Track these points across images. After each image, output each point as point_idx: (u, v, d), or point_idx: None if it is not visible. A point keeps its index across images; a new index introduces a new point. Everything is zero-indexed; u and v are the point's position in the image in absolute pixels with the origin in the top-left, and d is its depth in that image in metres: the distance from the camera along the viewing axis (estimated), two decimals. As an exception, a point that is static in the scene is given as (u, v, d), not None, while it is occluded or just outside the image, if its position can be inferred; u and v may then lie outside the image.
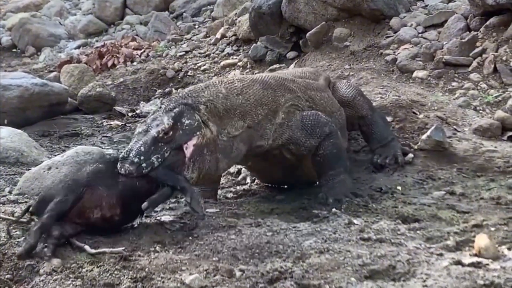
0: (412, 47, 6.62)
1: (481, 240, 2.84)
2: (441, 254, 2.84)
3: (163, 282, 2.67)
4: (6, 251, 3.00)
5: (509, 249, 2.87)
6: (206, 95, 3.71)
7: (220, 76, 8.63)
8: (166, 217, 3.53)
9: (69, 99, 8.11)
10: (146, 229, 3.34)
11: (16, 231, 3.29)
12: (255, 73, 8.01)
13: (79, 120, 7.65)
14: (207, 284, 2.63)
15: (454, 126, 5.05)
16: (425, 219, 3.49)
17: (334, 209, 3.66)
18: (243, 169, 5.02)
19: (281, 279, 2.66)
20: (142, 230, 3.33)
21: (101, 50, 10.49)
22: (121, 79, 9.16)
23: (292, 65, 7.68)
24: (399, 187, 4.19)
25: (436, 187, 4.16)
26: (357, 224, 3.35)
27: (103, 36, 13.22)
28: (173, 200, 4.19)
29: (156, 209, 3.80)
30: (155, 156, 3.35)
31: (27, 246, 2.95)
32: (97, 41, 12.84)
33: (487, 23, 6.21)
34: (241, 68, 8.56)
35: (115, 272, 2.78)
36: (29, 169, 4.86)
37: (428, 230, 3.23)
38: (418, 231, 3.22)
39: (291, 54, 8.16)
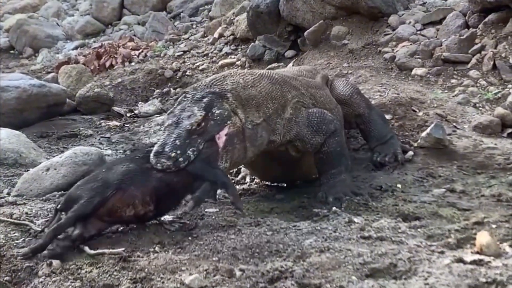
0: (411, 44, 6.61)
1: (483, 237, 2.82)
2: (442, 252, 2.82)
3: (163, 282, 2.65)
4: (5, 253, 2.98)
5: (510, 246, 2.85)
6: (229, 83, 3.71)
7: (219, 75, 8.61)
8: (166, 218, 3.50)
9: (67, 100, 8.08)
10: (145, 230, 3.32)
11: (14, 233, 3.29)
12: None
13: (78, 121, 7.62)
14: (207, 284, 2.61)
15: (454, 124, 5.03)
16: (426, 217, 3.47)
17: (334, 208, 3.64)
18: (243, 168, 5.00)
19: (282, 278, 2.64)
20: (141, 230, 3.31)
21: (99, 50, 10.46)
22: (119, 80, 9.13)
23: (290, 64, 7.66)
24: (399, 185, 4.17)
25: (436, 185, 4.14)
26: (357, 223, 3.33)
27: (101, 36, 13.21)
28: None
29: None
30: (190, 149, 3.32)
31: (36, 246, 2.94)
32: (94, 41, 12.81)
33: (486, 19, 6.20)
34: (240, 67, 8.53)
35: (115, 273, 2.77)
36: (27, 171, 4.85)
37: (429, 228, 3.22)
38: (419, 229, 3.20)
39: (289, 53, 8.15)
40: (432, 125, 4.70)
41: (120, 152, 6.17)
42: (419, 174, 4.35)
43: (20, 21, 13.74)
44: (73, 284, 2.71)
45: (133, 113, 7.94)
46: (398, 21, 7.16)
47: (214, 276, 2.69)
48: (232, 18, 9.80)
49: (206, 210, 3.73)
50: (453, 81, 5.82)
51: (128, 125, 7.46)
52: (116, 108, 8.13)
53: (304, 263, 2.77)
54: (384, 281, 2.56)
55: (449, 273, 2.52)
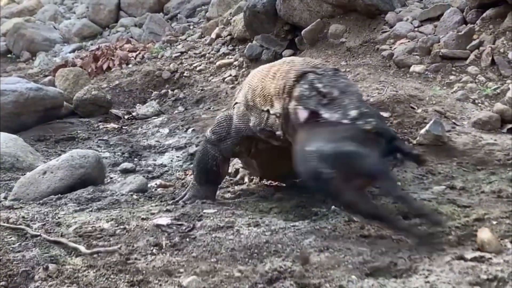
0: (409, 41, 6.59)
1: (483, 234, 2.79)
2: (443, 250, 2.79)
3: (160, 285, 2.62)
4: (1, 257, 2.95)
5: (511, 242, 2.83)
6: None
7: (217, 76, 8.59)
8: (163, 219, 3.47)
9: (64, 103, 8.06)
10: (142, 232, 3.29)
11: (11, 237, 3.26)
12: (251, 72, 7.98)
13: (75, 124, 7.60)
14: (205, 286, 2.58)
15: (453, 120, 5.00)
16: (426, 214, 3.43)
17: (333, 207, 3.60)
18: (241, 168, 4.97)
19: (281, 278, 2.60)
20: (138, 232, 3.28)
21: (96, 53, 10.45)
22: (117, 82, 9.12)
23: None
24: (398, 183, 4.14)
25: (436, 182, 4.11)
26: (357, 221, 3.30)
27: (98, 39, 13.20)
28: (170, 202, 4.18)
29: (153, 211, 3.79)
30: None
31: None
32: (92, 44, 12.81)
33: (484, 15, 6.17)
34: (237, 67, 8.52)
35: (112, 276, 2.73)
36: (24, 174, 4.82)
37: (429, 225, 3.18)
38: (419, 227, 3.16)
39: (287, 52, 8.13)
40: (431, 122, 4.67)
41: (118, 155, 6.15)
42: (419, 171, 4.31)
43: (17, 25, 13.74)
44: (69, 288, 2.68)
45: (131, 115, 7.93)
46: (396, 18, 7.14)
47: (212, 277, 2.65)
48: (229, 18, 9.79)
49: (205, 211, 3.70)
50: (451, 77, 5.79)
51: (126, 127, 7.45)
52: (113, 111, 8.11)
53: (303, 263, 2.74)
54: (384, 279, 2.52)
55: (449, 271, 2.49)
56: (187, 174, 5.23)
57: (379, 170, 3.03)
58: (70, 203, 4.17)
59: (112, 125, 7.55)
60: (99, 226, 3.46)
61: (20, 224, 3.47)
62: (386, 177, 3.05)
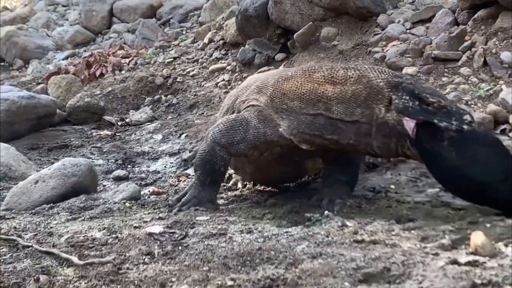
0: (401, 43, 6.57)
1: (477, 237, 2.76)
2: (436, 254, 2.77)
3: (152, 295, 2.60)
4: (-8, 269, 2.93)
5: (506, 245, 2.80)
6: None
7: (210, 81, 8.57)
8: (156, 228, 3.45)
9: (57, 110, 8.04)
10: (135, 241, 3.27)
11: (2, 248, 3.23)
12: (244, 77, 7.97)
13: (68, 132, 7.58)
14: (197, 295, 2.56)
15: (446, 122, 4.98)
16: (420, 218, 3.41)
17: (326, 212, 3.58)
18: (234, 174, 4.96)
19: (273, 286, 2.58)
20: (131, 241, 3.26)
21: (89, 60, 10.44)
22: (110, 88, 9.10)
23: (281, 67, 7.63)
24: (392, 186, 4.13)
25: (430, 185, 4.09)
26: (350, 226, 3.28)
27: (91, 45, 13.19)
28: (165, 207, 4.16)
29: (146, 219, 3.77)
30: None
31: None
32: (85, 51, 12.80)
33: (475, 16, 6.16)
34: (230, 72, 8.51)
35: (103, 287, 2.71)
36: (17, 184, 4.80)
37: (423, 229, 3.16)
38: (413, 231, 3.14)
39: (279, 56, 8.12)
40: (424, 124, 4.65)
41: (111, 162, 6.12)
42: (413, 174, 4.30)
43: (9, 32, 13.72)
44: (61, 299, 2.66)
45: (124, 122, 7.91)
46: (387, 20, 7.13)
47: (205, 286, 2.63)
48: (221, 23, 9.78)
49: (197, 218, 3.68)
50: (444, 79, 5.78)
51: (119, 134, 7.43)
52: (107, 117, 8.10)
53: (296, 270, 2.71)
54: (377, 286, 2.50)
55: (443, 276, 2.47)
56: (181, 180, 5.22)
57: None
58: (62, 212, 4.15)
59: (105, 132, 7.54)
60: (91, 236, 3.43)
61: (11, 235, 3.45)
62: None
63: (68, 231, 3.55)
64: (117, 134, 7.43)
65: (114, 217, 3.93)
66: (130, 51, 11.00)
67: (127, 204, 4.29)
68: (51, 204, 4.35)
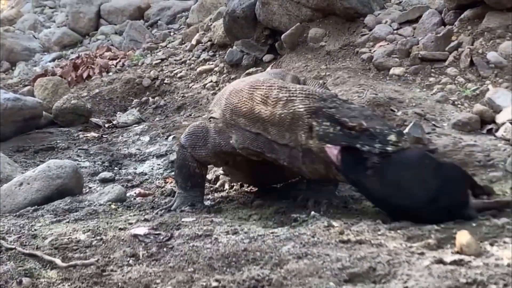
0: (388, 44, 6.58)
1: (463, 236, 2.76)
2: (422, 253, 2.76)
3: (136, 297, 2.58)
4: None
5: (491, 244, 2.80)
6: None
7: (197, 82, 8.55)
8: (141, 229, 3.42)
9: (43, 112, 7.98)
10: (119, 243, 3.24)
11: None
12: (232, 78, 7.95)
13: (55, 134, 7.53)
14: (181, 296, 2.54)
15: (433, 122, 4.99)
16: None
17: (313, 212, 3.57)
18: (221, 175, 4.94)
19: (258, 287, 2.56)
20: (115, 243, 3.23)
21: (76, 61, 10.38)
22: (97, 90, 9.05)
23: (268, 68, 7.61)
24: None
25: (416, 185, 4.08)
26: (336, 226, 3.26)
27: (78, 47, 13.12)
28: (148, 212, 4.13)
29: (131, 221, 3.75)
30: None
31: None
32: (72, 53, 12.73)
33: (462, 16, 6.18)
34: (218, 73, 8.49)
35: (87, 289, 2.69)
36: (1, 186, 4.76)
37: (409, 229, 3.15)
38: (398, 231, 3.13)
39: (267, 57, 8.11)
40: (411, 124, 4.64)
41: (98, 164, 6.09)
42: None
43: (-4, 35, 13.64)
44: (44, 302, 2.63)
45: (111, 124, 7.87)
46: (375, 21, 7.13)
47: (189, 287, 2.61)
48: (209, 24, 9.76)
49: (183, 219, 3.66)
50: (431, 79, 5.79)
51: (106, 136, 7.39)
52: (94, 119, 8.05)
53: (281, 270, 2.69)
54: (363, 285, 2.49)
55: (428, 275, 2.46)
56: (167, 182, 5.19)
57: None
58: (47, 214, 4.11)
59: (92, 134, 7.49)
60: (76, 238, 3.40)
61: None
62: None
63: (52, 234, 3.52)
64: (104, 136, 7.39)
65: (99, 219, 3.90)
66: (117, 52, 10.95)
67: (113, 206, 4.27)
68: (36, 206, 4.32)
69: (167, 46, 10.53)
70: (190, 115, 7.61)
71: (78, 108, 7.98)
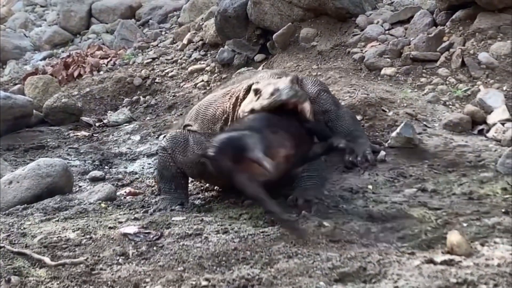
0: (379, 44, 6.58)
1: (453, 236, 2.76)
2: (412, 253, 2.76)
3: (125, 296, 2.56)
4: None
5: (482, 244, 2.80)
6: None
7: (189, 82, 8.53)
8: (131, 228, 3.41)
9: (34, 111, 7.92)
10: (109, 241, 3.23)
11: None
12: (223, 78, 7.93)
13: (45, 132, 7.47)
14: (171, 296, 2.53)
15: (424, 122, 5.00)
16: (397, 217, 3.41)
17: (303, 212, 3.56)
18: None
19: (248, 286, 2.56)
20: (105, 242, 3.22)
21: (66, 60, 10.31)
22: (88, 89, 9.00)
23: (260, 68, 7.60)
24: (370, 186, 4.11)
25: (407, 185, 4.08)
26: (327, 226, 3.26)
27: (69, 46, 13.03)
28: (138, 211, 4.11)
29: (121, 220, 3.73)
30: None
31: None
32: (63, 51, 12.64)
33: (453, 17, 6.20)
34: (209, 72, 8.46)
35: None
36: (-10, 185, 4.72)
37: (399, 229, 3.16)
38: (389, 231, 3.14)
39: (258, 57, 8.09)
40: (402, 124, 4.65)
41: (88, 163, 6.06)
42: (390, 175, 4.28)
43: (-14, 33, 13.56)
44: (33, 300, 2.62)
45: (102, 123, 7.82)
46: (366, 21, 7.14)
47: (179, 287, 2.60)
48: (200, 23, 9.73)
49: (173, 218, 3.65)
50: (422, 79, 5.79)
51: (97, 135, 7.35)
52: (84, 118, 7.99)
53: (271, 269, 2.69)
54: (353, 285, 2.49)
55: (419, 275, 2.46)
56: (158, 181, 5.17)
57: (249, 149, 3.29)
58: (37, 213, 4.08)
59: (82, 133, 7.45)
60: (65, 236, 3.39)
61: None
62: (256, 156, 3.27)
63: (41, 232, 3.50)
64: (94, 135, 7.35)
65: (89, 217, 3.88)
66: (108, 51, 10.88)
67: (103, 205, 4.25)
68: (25, 205, 4.29)
69: (159, 45, 10.49)
70: (181, 114, 7.58)
71: (68, 107, 7.92)
